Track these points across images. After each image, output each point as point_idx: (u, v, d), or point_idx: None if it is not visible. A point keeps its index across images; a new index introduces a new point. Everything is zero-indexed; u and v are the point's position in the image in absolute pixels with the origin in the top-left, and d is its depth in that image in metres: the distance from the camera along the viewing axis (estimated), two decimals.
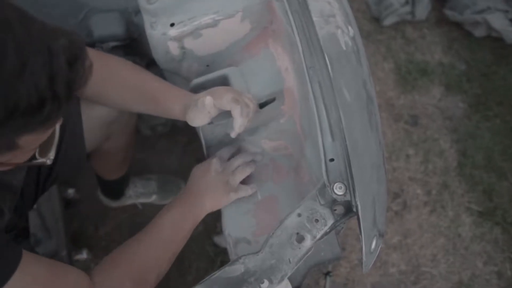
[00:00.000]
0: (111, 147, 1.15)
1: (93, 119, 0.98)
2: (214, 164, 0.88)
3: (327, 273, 1.16)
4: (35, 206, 1.28)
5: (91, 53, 0.87)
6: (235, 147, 0.96)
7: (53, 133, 0.59)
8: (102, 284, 0.72)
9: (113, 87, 0.85)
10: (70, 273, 0.70)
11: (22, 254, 0.63)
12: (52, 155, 0.61)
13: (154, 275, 0.76)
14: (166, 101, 0.84)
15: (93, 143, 1.05)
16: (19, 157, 0.56)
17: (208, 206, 0.86)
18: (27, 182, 0.93)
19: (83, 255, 1.34)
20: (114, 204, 1.51)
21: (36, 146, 0.57)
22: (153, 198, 1.53)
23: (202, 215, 0.86)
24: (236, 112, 0.78)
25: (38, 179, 0.96)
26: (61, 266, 0.70)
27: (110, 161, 1.26)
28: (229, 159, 0.93)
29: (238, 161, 0.91)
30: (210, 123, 0.86)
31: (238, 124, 0.79)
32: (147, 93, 0.85)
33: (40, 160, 0.60)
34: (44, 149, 0.60)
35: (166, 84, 0.86)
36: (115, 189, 1.48)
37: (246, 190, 0.89)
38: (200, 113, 0.80)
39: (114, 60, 0.87)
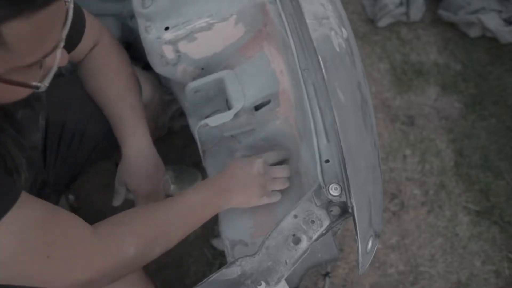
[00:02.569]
0: None
1: None
2: (258, 164, 0.86)
3: (326, 274, 1.16)
4: None
5: (111, 39, 0.90)
6: (281, 154, 0.94)
7: (54, 57, 0.56)
8: (103, 237, 0.68)
9: (99, 78, 0.89)
10: (68, 218, 0.66)
11: (20, 193, 0.60)
12: (47, 82, 0.57)
13: (159, 249, 0.73)
14: (126, 127, 0.89)
15: None
16: (10, 62, 0.51)
17: (236, 201, 0.84)
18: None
19: None
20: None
21: (27, 49, 0.51)
22: (172, 189, 1.48)
23: (226, 207, 0.84)
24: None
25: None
26: (60, 211, 0.66)
27: None
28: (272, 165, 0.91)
29: (282, 172, 0.90)
30: (206, 125, 0.87)
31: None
32: (116, 107, 0.89)
33: (35, 83, 0.56)
34: (42, 76, 0.57)
35: (140, 117, 0.91)
36: None
37: (277, 197, 0.88)
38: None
39: (123, 64, 0.91)
